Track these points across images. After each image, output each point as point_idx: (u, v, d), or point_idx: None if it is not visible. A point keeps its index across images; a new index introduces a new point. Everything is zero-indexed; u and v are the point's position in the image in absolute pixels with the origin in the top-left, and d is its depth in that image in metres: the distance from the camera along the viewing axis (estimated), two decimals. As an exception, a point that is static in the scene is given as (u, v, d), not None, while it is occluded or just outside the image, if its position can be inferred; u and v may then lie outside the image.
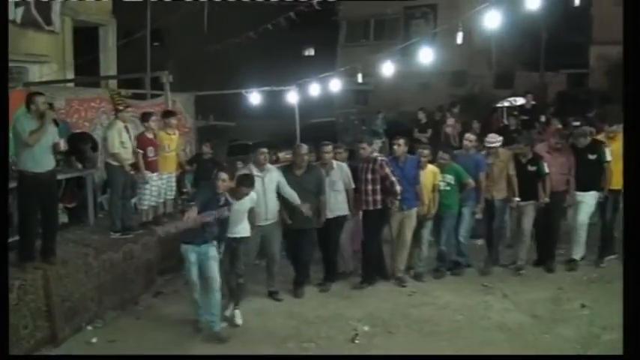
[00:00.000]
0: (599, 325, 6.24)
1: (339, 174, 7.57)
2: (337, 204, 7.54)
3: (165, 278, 8.04)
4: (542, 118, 12.36)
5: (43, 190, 6.35)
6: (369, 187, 7.43)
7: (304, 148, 7.45)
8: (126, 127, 7.90)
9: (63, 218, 7.97)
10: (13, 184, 6.38)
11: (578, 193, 7.84)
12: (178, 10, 14.19)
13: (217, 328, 6.28)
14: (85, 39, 15.37)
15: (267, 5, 16.04)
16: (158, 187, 8.16)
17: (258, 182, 6.80)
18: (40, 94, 6.52)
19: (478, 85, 24.15)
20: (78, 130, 9.10)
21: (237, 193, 6.35)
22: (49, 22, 13.14)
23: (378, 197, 7.45)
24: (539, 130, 11.54)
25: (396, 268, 7.82)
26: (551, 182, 7.78)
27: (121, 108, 8.19)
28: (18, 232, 6.45)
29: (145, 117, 8.09)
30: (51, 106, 7.04)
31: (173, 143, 8.37)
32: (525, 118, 12.68)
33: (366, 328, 6.43)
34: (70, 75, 13.60)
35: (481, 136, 8.62)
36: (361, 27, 28.72)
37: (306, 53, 34.76)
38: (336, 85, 11.22)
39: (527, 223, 7.93)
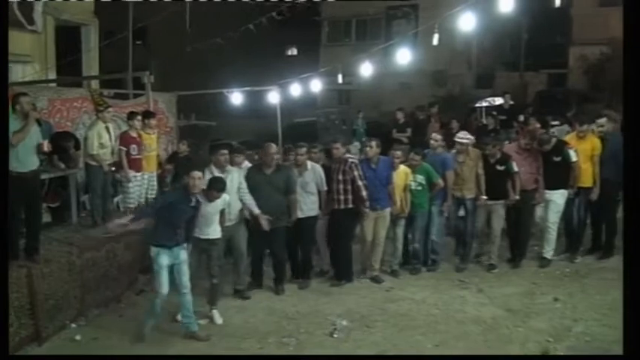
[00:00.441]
0: (570, 317, 6.44)
1: (312, 175, 7.64)
2: (308, 205, 7.63)
3: (147, 277, 8.00)
4: (521, 118, 12.47)
5: (27, 190, 6.37)
6: (341, 186, 7.56)
7: (273, 147, 7.51)
8: (107, 128, 8.00)
9: (46, 217, 8.01)
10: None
11: (546, 191, 7.96)
12: (161, 10, 14.19)
13: (194, 327, 6.33)
14: (68, 39, 15.35)
15: (249, 5, 16.10)
16: (140, 186, 8.27)
17: None
18: (25, 94, 6.55)
19: (458, 84, 24.31)
20: (60, 130, 9.14)
21: (209, 196, 6.37)
22: (31, 21, 13.16)
23: (350, 197, 7.56)
24: (517, 129, 11.69)
25: (371, 267, 7.93)
26: (520, 181, 7.89)
27: (101, 108, 8.29)
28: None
29: (131, 116, 8.26)
30: (34, 106, 7.10)
31: (153, 143, 8.50)
32: (503, 117, 12.85)
33: (344, 323, 6.54)
34: (53, 75, 13.61)
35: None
36: (343, 27, 28.92)
37: (289, 53, 34.83)
38: (317, 85, 11.30)
39: (497, 222, 8.04)
